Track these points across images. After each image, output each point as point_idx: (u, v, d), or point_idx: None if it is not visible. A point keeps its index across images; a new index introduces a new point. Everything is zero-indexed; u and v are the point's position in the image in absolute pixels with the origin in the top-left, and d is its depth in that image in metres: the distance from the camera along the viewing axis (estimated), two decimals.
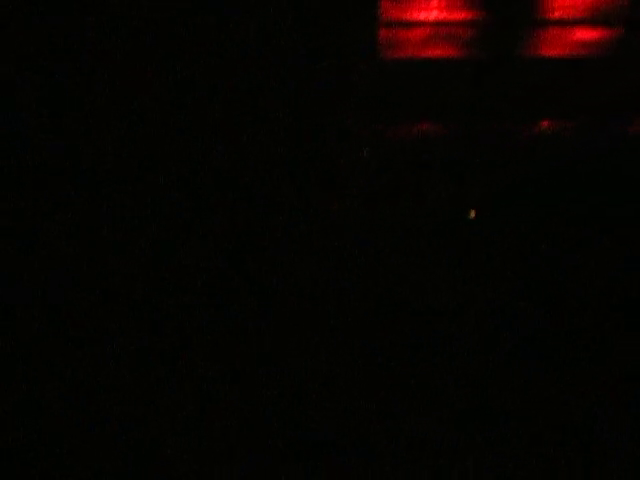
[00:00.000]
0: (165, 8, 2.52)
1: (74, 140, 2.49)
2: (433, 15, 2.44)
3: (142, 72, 2.52)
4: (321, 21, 2.41)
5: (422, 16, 2.45)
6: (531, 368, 2.39)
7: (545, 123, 2.53)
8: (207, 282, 2.46)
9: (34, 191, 2.46)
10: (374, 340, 2.42)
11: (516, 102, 2.51)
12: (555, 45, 2.49)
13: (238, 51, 2.53)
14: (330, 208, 2.51)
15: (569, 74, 2.52)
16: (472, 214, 2.47)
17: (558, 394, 2.35)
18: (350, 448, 2.30)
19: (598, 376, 2.37)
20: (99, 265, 2.45)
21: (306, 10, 2.39)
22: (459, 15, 2.44)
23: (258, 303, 2.45)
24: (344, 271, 2.49)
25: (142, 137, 2.52)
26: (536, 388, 2.36)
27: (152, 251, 2.47)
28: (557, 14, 2.45)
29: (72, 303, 2.41)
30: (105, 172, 2.49)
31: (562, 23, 2.47)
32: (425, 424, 2.33)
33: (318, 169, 2.54)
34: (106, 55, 2.51)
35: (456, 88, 2.49)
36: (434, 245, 2.52)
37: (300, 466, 2.28)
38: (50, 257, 2.44)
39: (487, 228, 2.51)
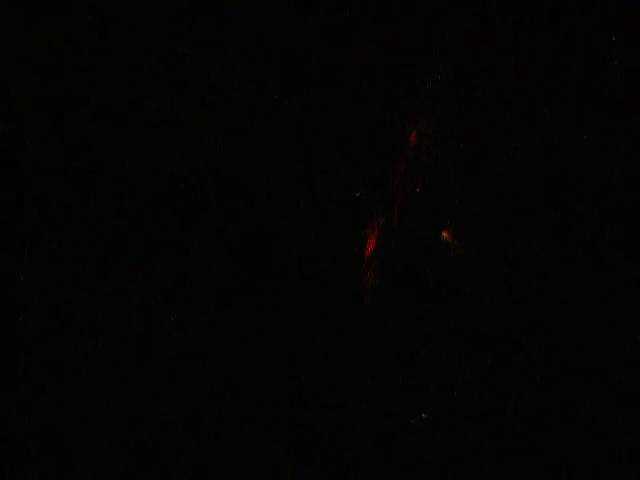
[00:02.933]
0: (165, 8, 2.52)
1: (74, 140, 2.49)
2: None
3: (143, 71, 2.52)
4: None
5: None
6: (531, 368, 2.39)
7: None
8: (208, 281, 2.46)
9: (34, 190, 2.46)
10: (375, 339, 2.42)
11: None
12: None
13: (238, 51, 2.53)
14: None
15: None
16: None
17: (558, 394, 2.35)
18: (350, 448, 2.30)
19: (598, 375, 2.37)
20: (100, 265, 2.45)
21: None
22: None
23: (259, 303, 2.45)
24: (346, 272, 2.49)
25: (144, 137, 2.51)
26: (536, 388, 2.36)
27: (153, 250, 2.47)
28: None
29: (73, 303, 2.41)
30: (106, 172, 2.49)
31: None
32: (425, 424, 2.33)
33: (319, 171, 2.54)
34: (106, 55, 2.51)
35: None
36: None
37: (300, 466, 2.28)
38: (51, 257, 2.44)
39: None
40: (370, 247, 2.39)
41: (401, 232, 2.42)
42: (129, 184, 2.48)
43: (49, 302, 2.40)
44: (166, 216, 2.48)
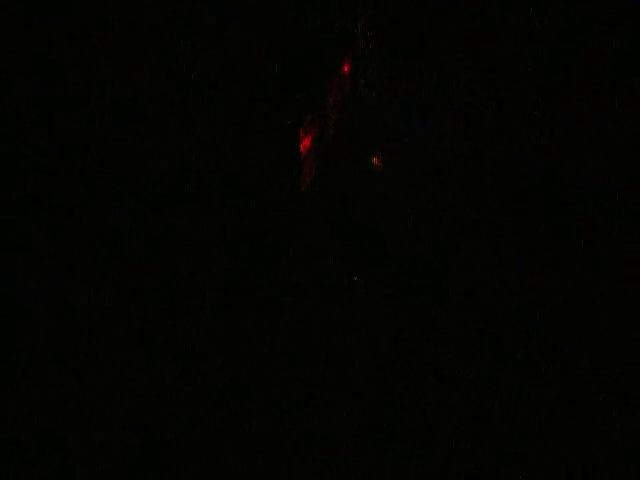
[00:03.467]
0: (166, 8, 2.53)
1: (74, 140, 2.49)
2: None
3: (143, 71, 2.52)
4: None
5: None
6: (530, 368, 2.39)
7: None
8: (212, 281, 2.46)
9: (34, 190, 2.46)
10: (378, 340, 2.43)
11: None
12: None
13: (238, 51, 2.54)
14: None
15: None
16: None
17: (558, 394, 2.35)
18: (350, 447, 2.30)
19: (598, 376, 2.38)
20: (104, 264, 2.45)
21: None
22: None
23: (261, 302, 2.45)
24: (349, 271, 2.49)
25: (145, 137, 2.52)
26: (536, 388, 2.36)
27: (154, 250, 2.47)
28: None
29: (73, 302, 2.41)
30: (105, 172, 2.49)
31: None
32: (425, 425, 2.33)
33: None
34: (106, 55, 2.51)
35: None
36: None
37: (300, 465, 2.28)
38: (51, 257, 2.44)
39: None
40: (305, 146, 2.60)
41: (334, 146, 2.75)
42: (128, 183, 2.49)
43: (49, 302, 2.40)
44: (166, 215, 2.48)
